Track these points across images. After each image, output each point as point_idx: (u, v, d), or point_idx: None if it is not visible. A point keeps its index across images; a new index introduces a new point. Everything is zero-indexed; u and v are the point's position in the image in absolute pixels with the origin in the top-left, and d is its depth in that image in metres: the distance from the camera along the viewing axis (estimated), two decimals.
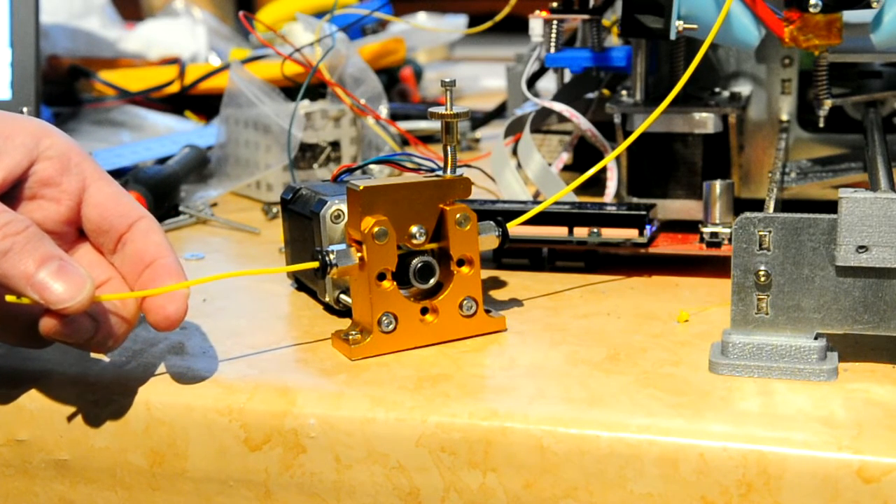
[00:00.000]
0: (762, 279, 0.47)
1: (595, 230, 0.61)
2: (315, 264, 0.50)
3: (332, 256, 0.50)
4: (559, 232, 0.61)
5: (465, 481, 0.44)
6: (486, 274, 0.62)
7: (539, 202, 0.63)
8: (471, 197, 0.53)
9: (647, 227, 0.60)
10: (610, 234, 0.60)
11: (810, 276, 0.46)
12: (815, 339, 0.47)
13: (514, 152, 0.71)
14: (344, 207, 0.54)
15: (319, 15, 0.93)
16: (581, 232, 0.61)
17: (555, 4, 0.68)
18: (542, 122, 0.73)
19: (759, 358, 0.47)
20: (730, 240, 0.59)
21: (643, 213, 0.60)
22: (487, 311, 0.53)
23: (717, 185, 0.59)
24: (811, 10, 0.55)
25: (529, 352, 0.51)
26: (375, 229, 0.49)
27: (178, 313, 0.46)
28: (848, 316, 0.46)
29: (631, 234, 0.60)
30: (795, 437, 0.42)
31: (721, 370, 0.47)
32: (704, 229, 0.60)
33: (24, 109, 0.70)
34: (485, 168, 0.70)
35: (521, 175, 0.70)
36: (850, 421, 0.42)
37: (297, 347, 0.52)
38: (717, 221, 0.60)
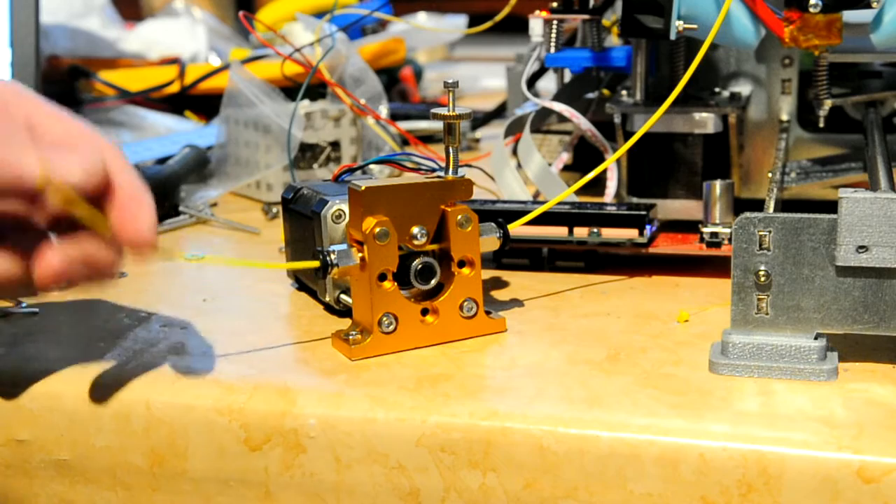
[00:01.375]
0: (762, 279, 0.47)
1: (595, 230, 0.61)
2: (316, 263, 0.50)
3: (333, 256, 0.50)
4: (559, 232, 0.61)
5: (465, 481, 0.44)
6: (487, 274, 0.62)
7: (539, 202, 0.63)
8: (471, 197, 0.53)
9: (648, 227, 0.60)
10: (610, 234, 0.60)
11: (810, 276, 0.46)
12: (815, 339, 0.47)
13: (514, 152, 0.71)
14: (345, 207, 0.54)
15: (319, 15, 0.93)
16: (581, 232, 0.61)
17: (555, 4, 0.68)
18: (542, 122, 0.73)
19: (759, 358, 0.47)
20: (730, 240, 0.59)
21: (643, 213, 0.60)
22: (488, 313, 0.53)
23: (717, 185, 0.59)
24: (811, 10, 0.55)
25: (529, 352, 0.51)
26: (377, 230, 0.49)
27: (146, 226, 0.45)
28: (848, 316, 0.46)
29: (631, 234, 0.60)
30: (795, 437, 0.42)
31: (721, 370, 0.47)
32: (704, 229, 0.60)
33: None
34: (485, 168, 0.70)
35: (521, 175, 0.70)
36: (850, 421, 0.42)
37: (297, 347, 0.52)
38: (717, 221, 0.60)
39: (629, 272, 0.62)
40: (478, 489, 0.44)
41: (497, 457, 0.44)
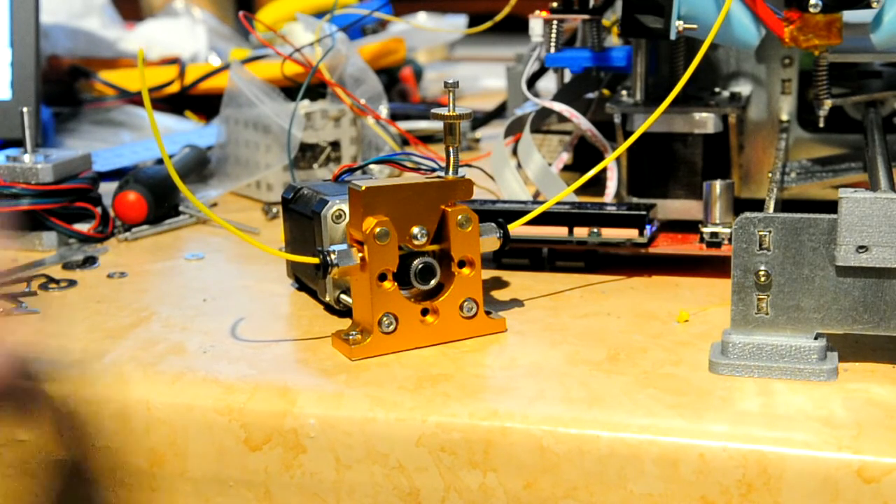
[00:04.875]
0: (762, 279, 0.47)
1: (595, 230, 0.61)
2: (317, 259, 0.50)
3: (333, 256, 0.50)
4: (559, 232, 0.61)
5: (465, 481, 0.44)
6: (487, 274, 0.62)
7: (539, 202, 0.63)
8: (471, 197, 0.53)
9: (648, 227, 0.60)
10: (610, 234, 0.60)
11: (810, 276, 0.46)
12: (815, 339, 0.47)
13: (514, 152, 0.71)
14: (345, 207, 0.54)
15: (319, 15, 0.93)
16: (581, 232, 0.61)
17: (555, 4, 0.68)
18: (542, 122, 0.73)
19: (759, 358, 0.47)
20: (730, 240, 0.59)
21: (643, 213, 0.60)
22: (488, 313, 0.53)
23: (717, 185, 0.59)
24: (811, 10, 0.55)
25: (529, 352, 0.51)
26: (377, 230, 0.49)
27: None
28: (848, 316, 0.46)
29: (631, 234, 0.60)
30: (795, 437, 0.42)
31: (721, 370, 0.47)
32: (704, 229, 0.60)
33: (24, 109, 0.70)
34: (485, 168, 0.70)
35: (521, 175, 0.70)
36: (850, 421, 0.42)
37: (297, 347, 0.52)
38: (718, 221, 0.60)
39: (629, 272, 0.62)
40: (478, 489, 0.44)
41: (497, 457, 0.44)
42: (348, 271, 0.50)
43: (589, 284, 0.60)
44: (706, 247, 0.60)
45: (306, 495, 0.46)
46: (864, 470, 0.40)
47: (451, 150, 0.52)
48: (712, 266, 0.61)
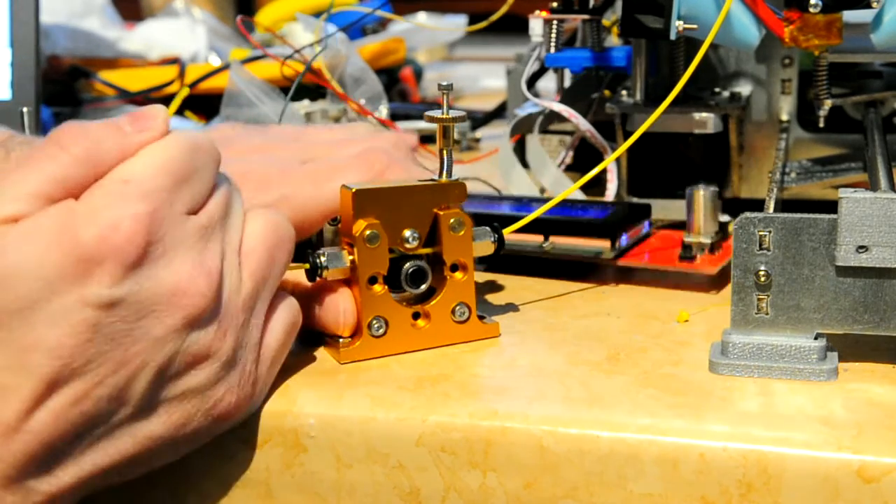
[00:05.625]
0: (762, 279, 0.47)
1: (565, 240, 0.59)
2: (306, 265, 0.49)
3: (322, 259, 0.49)
4: (536, 239, 0.60)
5: (465, 481, 0.44)
6: (487, 274, 0.62)
7: (544, 199, 0.63)
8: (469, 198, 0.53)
9: (624, 236, 0.59)
10: (576, 243, 0.59)
11: (810, 276, 0.46)
12: (815, 339, 0.47)
13: (517, 151, 0.72)
14: None
15: (319, 15, 0.93)
16: (557, 239, 0.60)
17: (555, 4, 0.68)
18: (549, 123, 0.73)
19: (759, 358, 0.47)
20: (711, 249, 0.58)
21: (617, 222, 0.58)
22: (481, 317, 0.53)
23: (701, 192, 0.58)
24: (811, 10, 0.55)
25: (529, 352, 0.51)
26: (367, 232, 0.49)
27: None
28: (848, 316, 0.46)
29: (603, 244, 0.59)
30: (795, 437, 0.42)
31: (721, 370, 0.47)
32: (685, 239, 0.59)
33: (24, 109, 0.69)
34: (483, 170, 0.70)
35: (528, 174, 0.70)
36: (850, 421, 0.42)
37: (296, 347, 0.52)
38: (700, 231, 0.58)
39: (629, 272, 0.62)
40: (478, 489, 0.44)
41: (497, 457, 0.44)
42: (338, 274, 0.50)
43: (589, 285, 0.60)
44: (679, 260, 0.59)
45: (307, 494, 0.46)
46: (864, 470, 0.40)
47: (444, 152, 0.52)
48: None
